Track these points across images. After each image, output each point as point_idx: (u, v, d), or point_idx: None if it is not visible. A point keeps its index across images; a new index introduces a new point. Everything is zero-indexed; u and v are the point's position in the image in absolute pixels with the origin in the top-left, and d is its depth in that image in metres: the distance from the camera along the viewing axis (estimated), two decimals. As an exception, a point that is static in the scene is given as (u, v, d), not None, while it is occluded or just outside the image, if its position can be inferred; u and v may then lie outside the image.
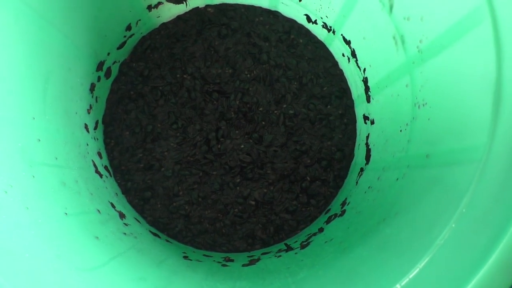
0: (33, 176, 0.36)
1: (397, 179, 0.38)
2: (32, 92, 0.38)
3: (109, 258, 0.37)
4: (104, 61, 0.51)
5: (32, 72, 0.38)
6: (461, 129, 0.30)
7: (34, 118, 0.38)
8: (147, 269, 0.39)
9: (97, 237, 0.39)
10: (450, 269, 0.24)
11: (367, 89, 0.50)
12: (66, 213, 0.37)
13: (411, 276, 0.26)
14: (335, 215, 0.48)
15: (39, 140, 0.39)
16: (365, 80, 0.50)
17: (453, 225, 0.26)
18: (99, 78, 0.51)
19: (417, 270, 0.26)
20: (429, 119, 0.36)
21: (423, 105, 0.37)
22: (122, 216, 0.48)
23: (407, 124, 0.40)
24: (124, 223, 0.47)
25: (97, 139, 0.52)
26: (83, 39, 0.45)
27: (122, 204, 0.50)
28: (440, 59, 0.34)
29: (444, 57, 0.33)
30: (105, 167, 0.52)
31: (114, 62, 0.53)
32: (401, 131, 0.41)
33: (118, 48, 0.52)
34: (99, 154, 0.51)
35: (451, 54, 0.32)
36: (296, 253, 0.45)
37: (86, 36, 0.45)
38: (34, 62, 0.38)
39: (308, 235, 0.49)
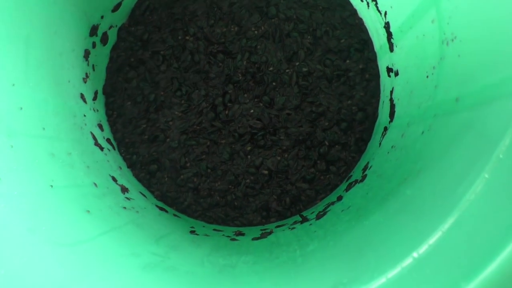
0: (12, 146, 0.33)
1: (423, 132, 0.32)
2: (9, 56, 0.35)
3: (99, 232, 0.34)
4: (98, 25, 0.47)
5: (8, 34, 0.35)
6: (496, 59, 0.24)
7: (13, 85, 0.35)
8: (143, 244, 0.36)
9: (88, 211, 0.36)
10: (481, 231, 0.19)
11: (389, 36, 0.43)
12: (51, 186, 0.34)
13: (431, 241, 0.20)
14: (356, 181, 0.42)
15: (21, 109, 0.36)
16: (387, 26, 0.43)
17: (486, 176, 0.20)
18: (94, 44, 0.47)
19: (440, 233, 0.20)
20: (459, 55, 0.29)
21: (452, 40, 0.30)
22: (124, 190, 0.44)
23: (434, 67, 0.33)
24: (126, 197, 0.43)
25: (97, 111, 0.49)
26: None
27: (126, 178, 0.47)
28: (470, -23, 0.27)
29: (474, -27, 0.27)
30: (108, 140, 0.49)
31: (111, 27, 0.49)
32: (427, 77, 0.34)
33: (113, 11, 0.48)
34: (100, 126, 0.48)
35: (483, -33, 0.26)
36: (310, 224, 0.40)
37: (70, -5, 0.41)
38: (10, 23, 0.35)
39: (327, 204, 0.44)
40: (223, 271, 0.33)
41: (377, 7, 0.44)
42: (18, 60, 0.36)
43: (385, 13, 0.43)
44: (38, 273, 0.25)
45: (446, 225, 0.20)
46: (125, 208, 0.41)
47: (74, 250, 0.30)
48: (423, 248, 0.20)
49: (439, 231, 0.20)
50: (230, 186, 0.48)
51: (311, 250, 0.31)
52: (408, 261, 0.20)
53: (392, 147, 0.38)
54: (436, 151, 0.27)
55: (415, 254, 0.20)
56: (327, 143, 0.48)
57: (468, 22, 0.28)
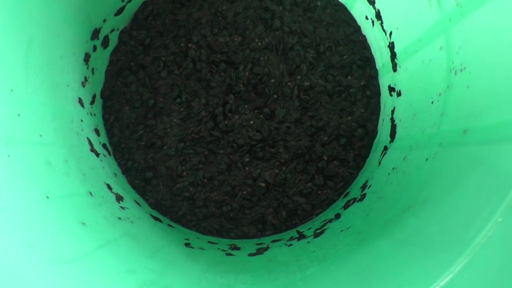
0: (8, 156, 0.32)
1: (427, 159, 0.32)
2: (10, 60, 0.34)
3: (95, 247, 0.33)
4: (100, 28, 0.46)
5: (9, 37, 0.34)
6: (510, 97, 0.24)
7: (12, 91, 0.34)
8: (139, 259, 0.35)
9: (83, 223, 0.35)
10: (493, 276, 0.19)
11: (393, 56, 0.43)
12: (48, 197, 0.34)
13: (442, 283, 0.20)
14: (354, 200, 0.43)
15: (19, 115, 0.35)
16: (391, 46, 0.43)
17: (500, 220, 0.20)
18: (95, 48, 0.46)
19: (450, 276, 0.20)
20: (468, 86, 0.29)
21: (461, 70, 0.30)
22: (119, 198, 0.44)
23: (440, 94, 0.33)
24: (121, 207, 0.43)
25: (94, 115, 0.48)
26: (72, 2, 0.40)
27: (121, 186, 0.46)
28: (484, 11, 0.27)
29: (489, 9, 0.27)
30: (103, 145, 0.48)
31: (113, 30, 0.48)
32: (432, 102, 0.35)
33: (116, 14, 0.47)
34: (97, 131, 0.47)
35: (498, 3, 0.26)
36: (308, 242, 0.40)
37: (74, -1, 0.40)
38: (11, 25, 0.34)
39: (324, 221, 0.44)
40: (221, 291, 0.32)
41: (382, 27, 0.44)
42: (19, 64, 0.35)
43: (390, 33, 0.43)
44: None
45: (457, 268, 0.20)
46: (120, 218, 0.41)
47: (72, 267, 0.29)
48: (433, 289, 0.20)
49: (450, 273, 0.20)
50: (226, 197, 0.48)
51: (312, 273, 0.31)
52: (418, 301, 0.21)
53: (393, 168, 0.39)
54: (443, 184, 0.27)
55: (425, 295, 0.21)
56: (325, 158, 0.48)
57: (479, 55, 0.28)
